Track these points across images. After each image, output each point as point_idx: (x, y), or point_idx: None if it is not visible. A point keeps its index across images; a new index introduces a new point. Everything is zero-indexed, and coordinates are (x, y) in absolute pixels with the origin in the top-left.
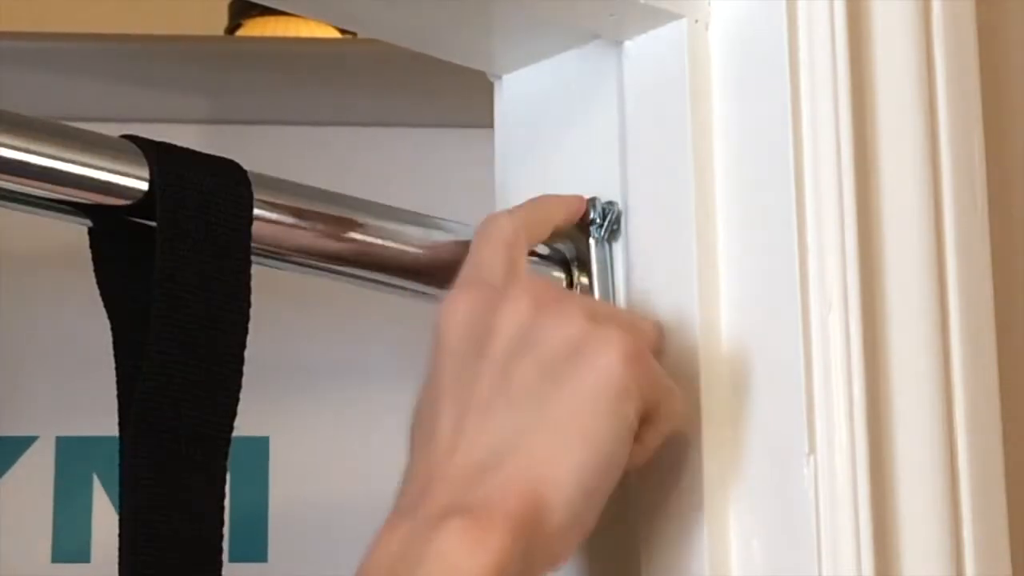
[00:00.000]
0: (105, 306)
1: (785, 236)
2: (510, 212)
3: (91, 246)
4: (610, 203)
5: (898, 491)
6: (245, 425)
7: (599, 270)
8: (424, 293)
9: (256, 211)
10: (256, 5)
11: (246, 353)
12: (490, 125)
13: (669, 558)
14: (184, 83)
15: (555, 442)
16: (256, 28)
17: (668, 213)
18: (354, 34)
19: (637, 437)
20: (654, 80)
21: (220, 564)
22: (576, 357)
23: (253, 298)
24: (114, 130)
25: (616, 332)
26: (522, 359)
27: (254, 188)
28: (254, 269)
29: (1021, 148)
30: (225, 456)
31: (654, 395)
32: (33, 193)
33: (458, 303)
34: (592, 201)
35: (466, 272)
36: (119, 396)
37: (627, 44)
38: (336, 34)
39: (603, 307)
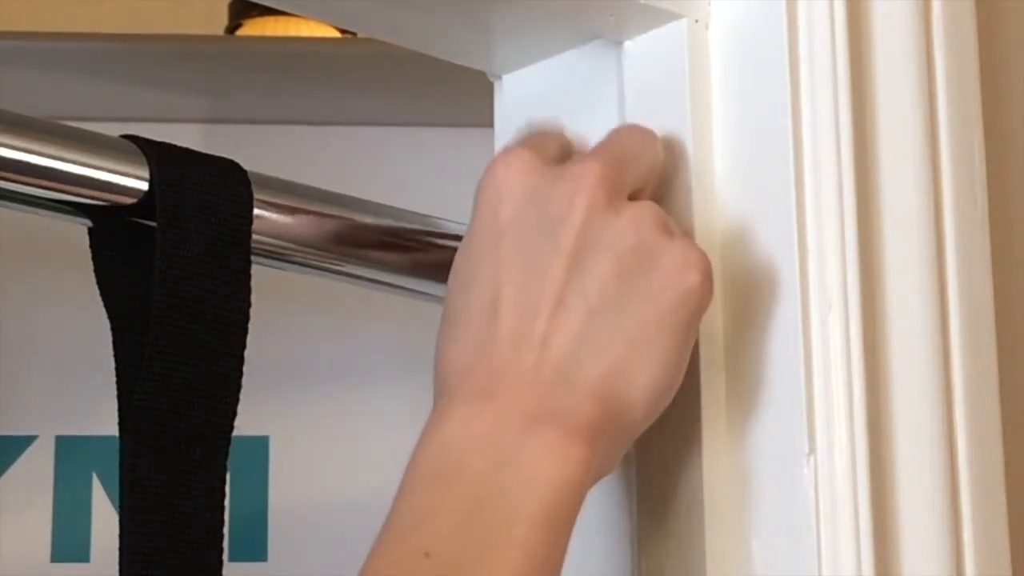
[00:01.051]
0: (105, 306)
1: (785, 236)
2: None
3: (91, 246)
4: None
5: (898, 491)
6: (245, 425)
7: None
8: (424, 293)
9: (256, 211)
10: (256, 5)
11: (246, 353)
12: (490, 125)
13: (669, 557)
14: (184, 83)
15: (635, 353)
16: (256, 28)
17: (668, 213)
18: (354, 34)
19: None
20: (654, 80)
21: (220, 564)
22: (656, 267)
23: (253, 298)
24: (114, 130)
25: (696, 251)
26: (598, 255)
27: (254, 188)
28: (254, 269)
29: (1021, 148)
30: (225, 456)
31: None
32: (33, 193)
33: (513, 166)
34: None
35: (516, 139)
36: (119, 396)
37: (627, 44)
38: (336, 34)
39: (666, 216)
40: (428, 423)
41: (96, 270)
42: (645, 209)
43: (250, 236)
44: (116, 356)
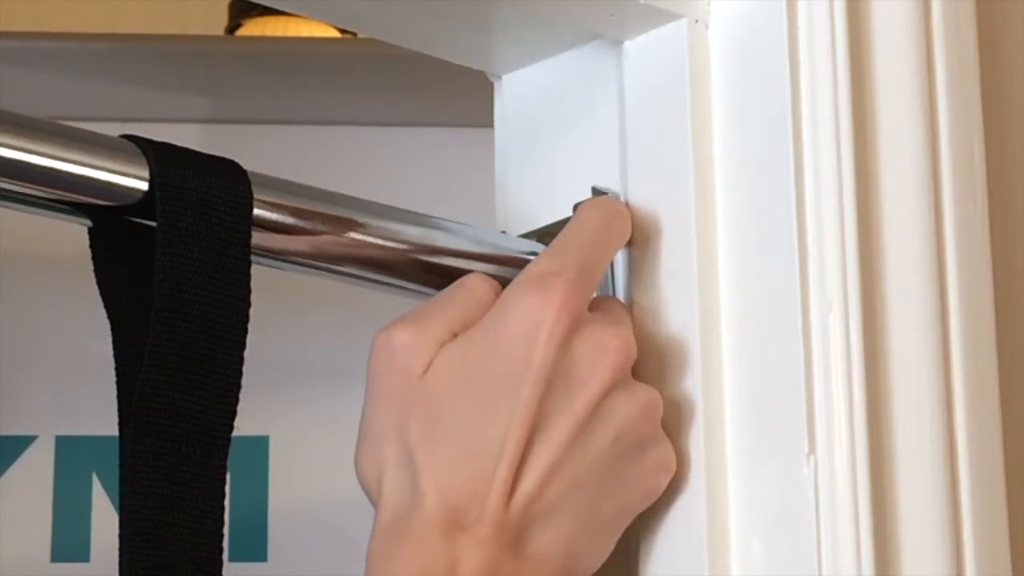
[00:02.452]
0: (105, 306)
1: (785, 236)
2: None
3: (91, 246)
4: None
5: (898, 491)
6: (245, 425)
7: None
8: (423, 293)
9: (256, 211)
10: (256, 5)
11: (246, 353)
12: (490, 125)
13: (668, 558)
14: (184, 83)
15: (596, 534)
16: (256, 28)
17: (668, 213)
18: (354, 34)
19: None
20: (654, 80)
21: (220, 564)
22: (643, 459)
23: (253, 298)
24: (114, 130)
25: (673, 455)
26: (603, 431)
27: (254, 188)
28: (254, 269)
29: (1021, 148)
30: (225, 455)
31: None
32: (33, 193)
33: (551, 310)
34: None
35: (566, 260)
36: (119, 396)
37: (627, 44)
38: (336, 34)
39: (661, 407)
40: (399, 535)
41: (96, 270)
42: (655, 398)
43: (250, 236)
44: (116, 356)
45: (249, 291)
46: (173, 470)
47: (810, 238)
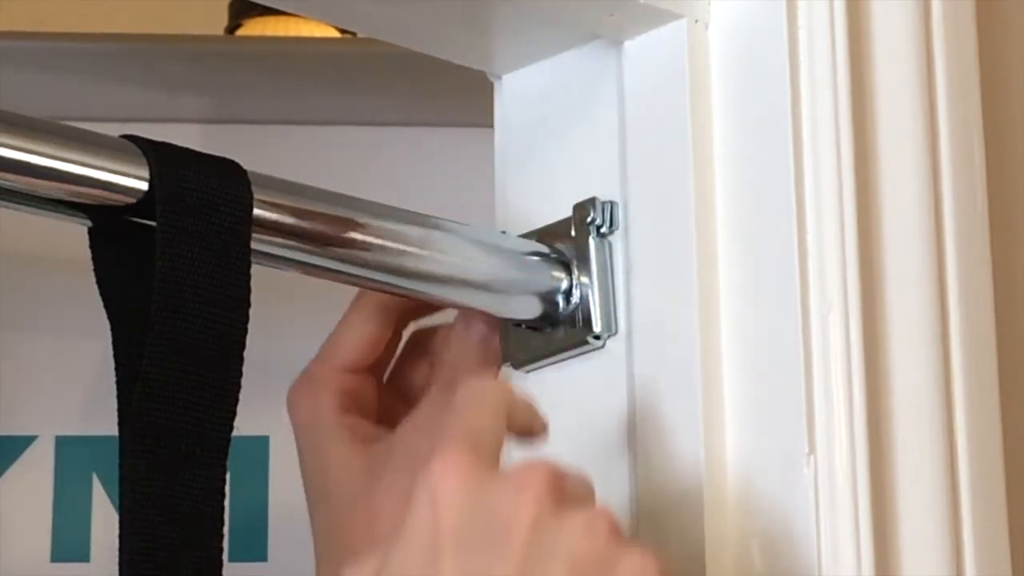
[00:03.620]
0: (105, 306)
1: (785, 236)
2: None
3: (91, 246)
4: (610, 203)
5: (898, 491)
6: (245, 425)
7: (599, 270)
8: (423, 293)
9: (256, 211)
10: (256, 5)
11: (246, 353)
12: (490, 125)
13: (668, 558)
14: (184, 83)
15: None
16: (256, 28)
17: (668, 213)
18: (354, 34)
19: None
20: (654, 80)
21: (220, 564)
22: (609, 571)
23: (253, 298)
24: (114, 130)
25: (650, 558)
26: (552, 564)
27: (254, 188)
28: (254, 269)
29: (1021, 148)
30: (225, 455)
31: None
32: (33, 192)
33: (450, 474)
34: (592, 201)
35: (453, 436)
36: (119, 396)
37: (627, 44)
38: (336, 34)
39: (618, 520)
40: None
41: (96, 270)
42: (599, 513)
43: (250, 236)
44: (116, 356)
45: (249, 291)
46: (173, 470)
47: (810, 238)
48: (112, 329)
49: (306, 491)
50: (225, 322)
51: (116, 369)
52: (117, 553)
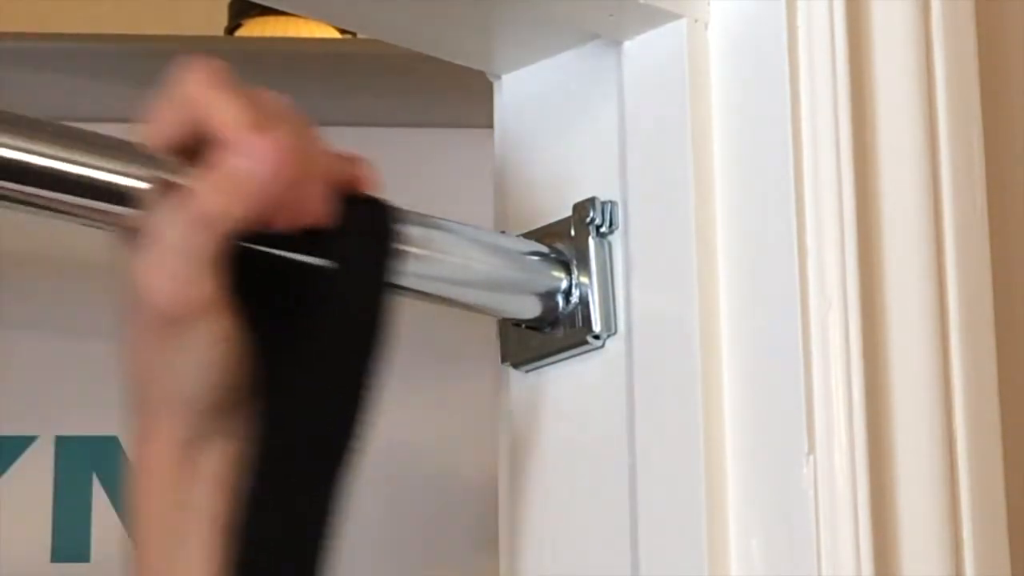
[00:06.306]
0: (240, 316)
1: (785, 236)
2: None
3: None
4: (610, 203)
5: (898, 491)
6: None
7: (599, 270)
8: (425, 292)
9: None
10: (256, 5)
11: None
12: (490, 125)
13: (668, 558)
14: None
15: None
16: (256, 28)
17: (668, 212)
18: (354, 34)
19: None
20: (654, 80)
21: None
22: None
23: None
24: (114, 130)
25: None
26: None
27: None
28: None
29: (1021, 148)
30: (348, 470)
31: None
32: None
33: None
34: (592, 201)
35: None
36: (244, 399)
37: (627, 44)
38: (336, 34)
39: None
40: None
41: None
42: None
43: (393, 265)
44: (251, 362)
45: (388, 321)
46: (291, 480)
47: (809, 238)
48: (250, 333)
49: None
50: (360, 350)
51: (246, 373)
52: (117, 553)
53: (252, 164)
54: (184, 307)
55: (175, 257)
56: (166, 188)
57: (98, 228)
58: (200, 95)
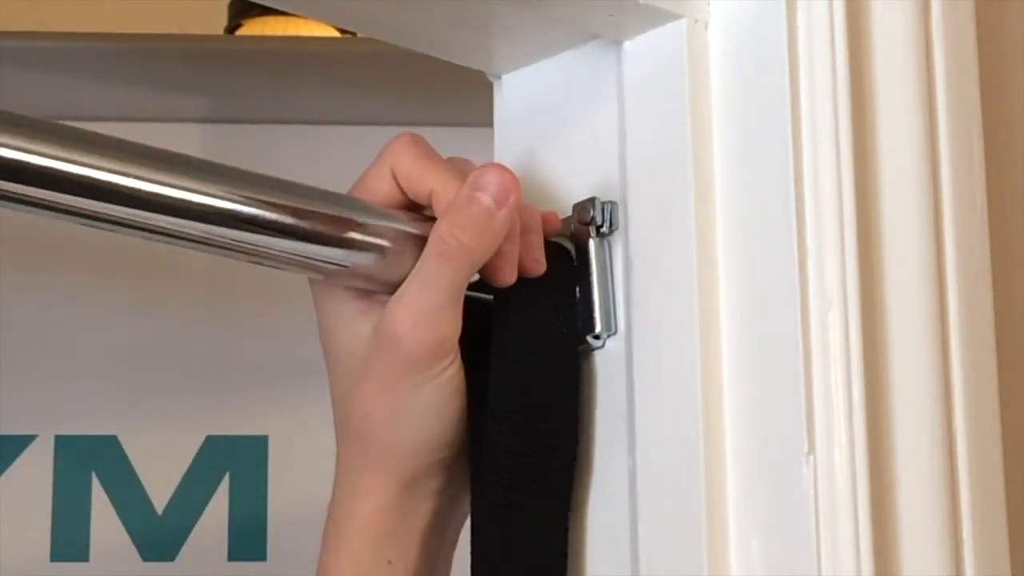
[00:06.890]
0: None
1: (785, 236)
2: None
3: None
4: (610, 203)
5: (898, 491)
6: (245, 425)
7: (599, 270)
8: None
9: (254, 211)
10: (256, 5)
11: (246, 353)
12: (490, 125)
13: (668, 557)
14: (184, 83)
15: None
16: (256, 28)
17: (667, 212)
18: (354, 34)
19: None
20: (654, 80)
21: None
22: None
23: (252, 297)
24: (114, 130)
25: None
26: None
27: (250, 187)
28: (256, 270)
29: (1021, 148)
30: (564, 506)
31: None
32: None
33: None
34: (592, 201)
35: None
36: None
37: (627, 44)
38: (336, 34)
39: None
40: None
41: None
42: None
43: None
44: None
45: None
46: (507, 520)
47: (809, 238)
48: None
49: (324, 355)
50: (558, 384)
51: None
52: (116, 553)
53: (490, 197)
54: (434, 348)
55: (428, 298)
56: (404, 239)
57: (103, 230)
58: (410, 165)
